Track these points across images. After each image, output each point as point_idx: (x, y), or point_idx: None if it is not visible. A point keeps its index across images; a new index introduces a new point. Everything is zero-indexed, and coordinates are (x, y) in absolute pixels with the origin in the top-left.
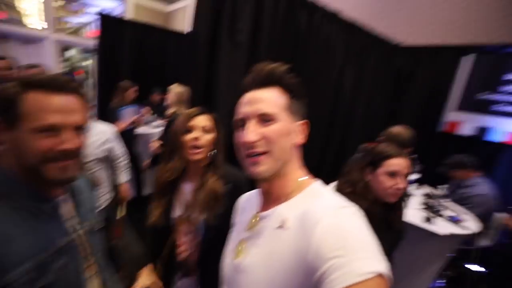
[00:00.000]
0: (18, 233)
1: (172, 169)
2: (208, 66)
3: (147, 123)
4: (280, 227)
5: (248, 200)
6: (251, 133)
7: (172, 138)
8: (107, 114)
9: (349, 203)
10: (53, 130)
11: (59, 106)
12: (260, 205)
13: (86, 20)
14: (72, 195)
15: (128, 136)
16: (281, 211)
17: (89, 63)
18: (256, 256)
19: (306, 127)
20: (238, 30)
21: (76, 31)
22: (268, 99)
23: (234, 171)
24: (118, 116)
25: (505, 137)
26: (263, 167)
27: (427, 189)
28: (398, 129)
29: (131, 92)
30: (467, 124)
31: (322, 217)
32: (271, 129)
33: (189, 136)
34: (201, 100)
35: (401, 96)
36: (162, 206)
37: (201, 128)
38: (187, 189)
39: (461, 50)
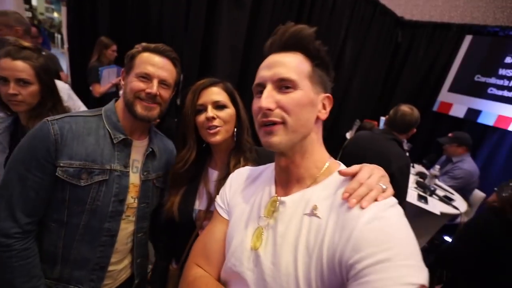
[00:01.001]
0: (89, 140)
1: (184, 159)
2: (207, 26)
3: None
4: (311, 214)
5: (252, 177)
6: (267, 99)
7: (183, 120)
8: (85, 74)
9: (393, 199)
10: (147, 77)
11: (154, 62)
12: (275, 187)
13: None
14: (153, 148)
15: (110, 100)
16: (310, 195)
17: (57, 16)
18: (282, 247)
19: (330, 101)
20: None
21: None
22: (289, 63)
23: (271, 153)
24: (98, 77)
25: (494, 121)
26: (276, 137)
27: (420, 169)
28: (405, 108)
29: (111, 51)
30: (459, 105)
31: (366, 212)
32: (289, 97)
33: (202, 117)
34: (197, 65)
35: (399, 72)
36: (180, 197)
37: (213, 104)
38: (213, 176)
39: (462, 30)
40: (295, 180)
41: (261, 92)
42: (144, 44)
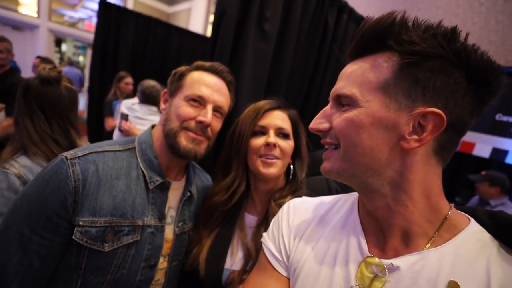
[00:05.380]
0: (118, 185)
1: (230, 189)
2: (231, 56)
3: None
4: None
5: (319, 214)
6: (316, 119)
7: (234, 142)
8: (102, 108)
9: None
10: (199, 102)
11: (210, 83)
12: (365, 239)
13: (83, 15)
14: (192, 191)
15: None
16: (436, 263)
17: (82, 59)
18: None
19: (436, 121)
20: (266, 18)
21: (73, 25)
22: (351, 74)
23: (322, 188)
24: (112, 110)
25: None
26: (328, 164)
27: None
28: None
29: (124, 84)
30: (483, 145)
31: None
32: (342, 118)
33: (260, 141)
34: None
35: None
36: (211, 244)
37: (276, 130)
38: (250, 223)
39: None
40: (397, 234)
41: None
42: (197, 62)
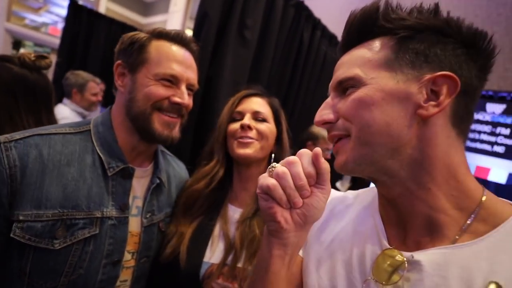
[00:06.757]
0: (69, 172)
1: (209, 175)
2: (212, 60)
3: None
4: None
5: (344, 203)
6: (320, 110)
7: (216, 131)
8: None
9: None
10: (172, 81)
11: (181, 58)
12: (385, 229)
13: (48, 20)
14: (161, 179)
15: None
16: (470, 260)
17: None
18: None
19: (448, 84)
20: (247, 26)
21: (35, 29)
22: (349, 59)
23: None
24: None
25: (474, 171)
26: (341, 156)
27: None
28: None
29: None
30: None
31: None
32: (349, 100)
33: (236, 125)
34: (198, 99)
35: None
36: (192, 234)
37: (252, 114)
38: (233, 215)
39: None
40: (420, 224)
41: None
42: (158, 28)
